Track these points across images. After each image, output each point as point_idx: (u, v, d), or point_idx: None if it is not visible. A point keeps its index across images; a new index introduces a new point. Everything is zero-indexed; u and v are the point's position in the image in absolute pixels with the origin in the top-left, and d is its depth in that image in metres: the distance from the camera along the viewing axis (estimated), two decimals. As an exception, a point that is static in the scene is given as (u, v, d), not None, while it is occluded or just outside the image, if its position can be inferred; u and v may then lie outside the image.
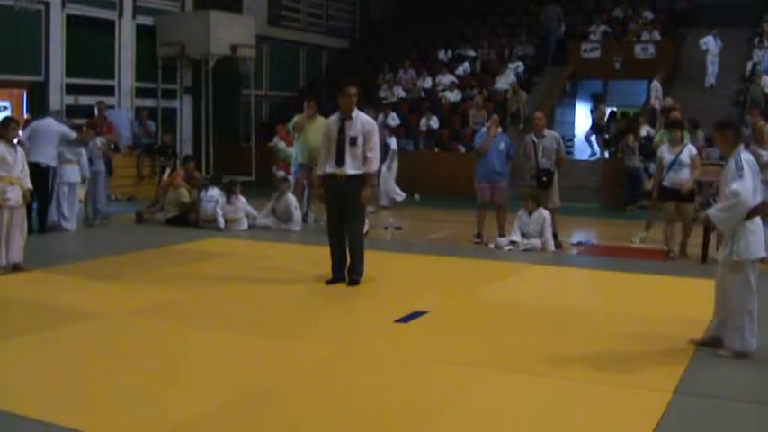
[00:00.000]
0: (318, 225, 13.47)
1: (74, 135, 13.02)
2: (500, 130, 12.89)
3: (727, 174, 6.79)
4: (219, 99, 21.33)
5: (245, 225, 13.59)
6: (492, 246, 12.19)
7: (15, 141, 10.25)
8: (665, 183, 11.57)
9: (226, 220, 13.47)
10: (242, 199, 13.64)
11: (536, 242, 11.86)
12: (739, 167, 6.64)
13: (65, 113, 18.24)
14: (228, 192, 13.53)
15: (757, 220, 6.74)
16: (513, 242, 11.94)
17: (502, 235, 12.29)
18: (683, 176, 11.41)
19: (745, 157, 6.73)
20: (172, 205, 14.09)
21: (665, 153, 11.64)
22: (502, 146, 12.47)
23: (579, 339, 7.27)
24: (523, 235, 11.96)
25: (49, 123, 13.03)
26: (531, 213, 11.95)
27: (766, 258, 7.09)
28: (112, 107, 19.53)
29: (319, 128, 11.39)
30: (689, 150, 11.58)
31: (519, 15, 27.33)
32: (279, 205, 13.79)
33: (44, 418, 5.14)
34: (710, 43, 22.02)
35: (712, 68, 22.12)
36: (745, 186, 6.59)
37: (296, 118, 14.28)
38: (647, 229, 12.98)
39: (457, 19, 27.65)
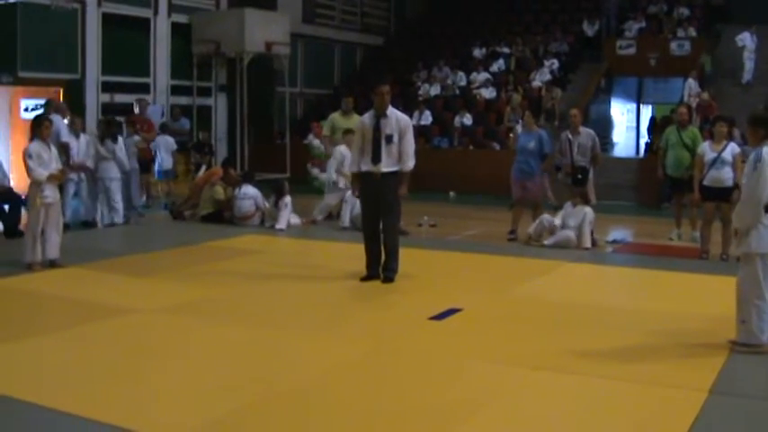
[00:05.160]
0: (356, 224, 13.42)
1: (64, 139, 12.64)
2: (536, 128, 12.84)
3: (746, 168, 6.74)
4: (254, 96, 21.42)
5: (283, 224, 13.37)
6: (536, 223, 12.23)
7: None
8: (705, 182, 10.94)
9: (263, 219, 13.55)
10: (288, 205, 13.41)
11: (570, 233, 11.79)
12: (757, 160, 6.57)
13: (101, 111, 18.45)
14: (278, 194, 13.35)
15: None
16: (552, 226, 12.01)
17: None
18: (725, 175, 10.81)
19: (767, 151, 6.62)
20: (207, 202, 14.13)
21: (707, 150, 11.01)
22: (532, 144, 12.41)
23: (614, 337, 7.21)
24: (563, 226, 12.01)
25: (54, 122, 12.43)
26: (575, 206, 11.97)
27: None
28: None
29: (354, 125, 11.41)
30: (731, 148, 10.94)
31: (554, 13, 27.20)
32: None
33: (81, 413, 5.18)
34: (747, 39, 21.84)
35: (749, 65, 21.93)
36: (759, 181, 6.53)
37: (332, 115, 14.39)
38: (678, 226, 12.90)
39: (491, 16, 27.57)
